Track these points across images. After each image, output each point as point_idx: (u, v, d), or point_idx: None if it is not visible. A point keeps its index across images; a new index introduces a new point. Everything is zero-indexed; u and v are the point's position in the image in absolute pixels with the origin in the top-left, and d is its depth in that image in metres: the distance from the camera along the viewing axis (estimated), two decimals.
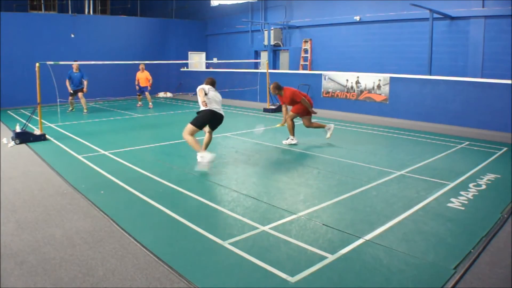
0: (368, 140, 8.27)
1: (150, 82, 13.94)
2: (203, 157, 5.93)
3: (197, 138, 6.08)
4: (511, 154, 7.05)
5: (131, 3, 20.49)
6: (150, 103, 14.12)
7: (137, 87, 14.03)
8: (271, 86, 7.92)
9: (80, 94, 12.63)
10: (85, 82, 12.63)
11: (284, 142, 7.84)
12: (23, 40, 14.86)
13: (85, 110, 12.76)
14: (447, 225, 4.01)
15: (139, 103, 14.53)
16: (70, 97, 12.78)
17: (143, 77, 13.90)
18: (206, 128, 6.43)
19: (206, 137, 6.56)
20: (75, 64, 12.40)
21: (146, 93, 13.96)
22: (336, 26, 14.96)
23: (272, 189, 5.23)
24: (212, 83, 6.55)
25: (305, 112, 7.83)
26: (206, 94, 6.16)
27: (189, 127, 6.02)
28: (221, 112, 6.31)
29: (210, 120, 6.21)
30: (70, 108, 12.96)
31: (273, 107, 12.72)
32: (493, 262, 3.27)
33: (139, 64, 14.02)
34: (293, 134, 7.84)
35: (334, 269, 3.15)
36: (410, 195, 4.87)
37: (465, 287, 2.93)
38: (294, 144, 7.72)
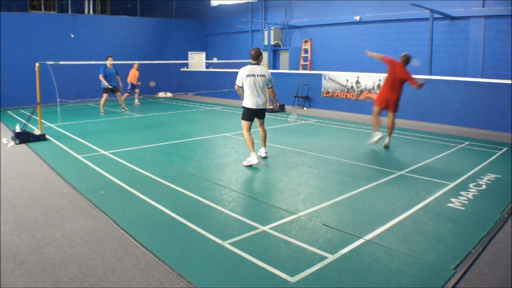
0: (368, 140, 8.25)
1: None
2: (252, 159, 6.03)
3: (253, 140, 6.18)
4: (511, 154, 7.05)
5: (131, 3, 20.48)
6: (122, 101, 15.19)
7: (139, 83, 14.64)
8: (405, 55, 7.26)
9: (118, 94, 12.53)
10: (118, 78, 12.57)
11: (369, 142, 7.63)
12: (23, 40, 14.85)
13: (124, 108, 12.81)
14: (447, 225, 4.01)
15: (136, 101, 15.13)
16: (105, 95, 12.28)
17: (134, 74, 14.52)
18: (257, 122, 6.50)
19: (260, 133, 6.63)
20: (110, 59, 12.16)
21: (126, 92, 14.65)
22: (336, 26, 14.96)
23: (272, 189, 5.23)
24: (256, 57, 6.19)
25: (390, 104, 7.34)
26: (241, 86, 6.17)
27: (243, 123, 6.24)
28: (262, 101, 6.20)
29: (254, 113, 6.25)
30: (102, 111, 12.40)
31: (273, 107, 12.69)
32: (493, 262, 3.27)
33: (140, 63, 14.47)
34: (377, 129, 7.49)
35: (334, 269, 3.15)
36: (410, 195, 4.87)
37: (465, 287, 2.93)
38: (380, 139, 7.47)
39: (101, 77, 12.11)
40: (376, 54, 7.75)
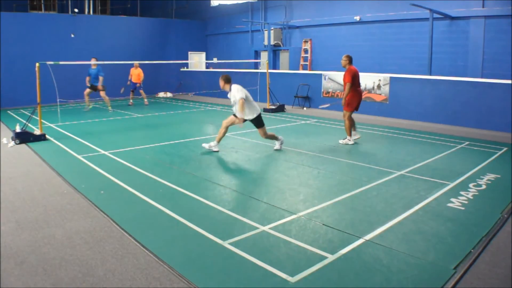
0: (368, 140, 8.26)
1: (141, 79, 14.64)
2: (215, 147, 7.06)
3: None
4: (511, 154, 7.05)
5: (131, 3, 20.48)
6: (145, 100, 15.09)
7: (128, 82, 14.64)
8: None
9: (102, 93, 12.74)
10: (100, 79, 12.59)
11: (340, 141, 7.94)
12: (23, 40, 14.85)
13: (110, 108, 13.03)
14: (447, 225, 4.01)
15: (131, 101, 15.07)
16: (85, 91, 12.85)
17: (136, 73, 14.54)
18: (260, 132, 7.25)
19: (268, 136, 7.25)
20: (93, 60, 12.56)
21: (141, 90, 14.70)
22: (336, 26, 14.96)
23: (272, 189, 5.23)
24: (230, 80, 7.26)
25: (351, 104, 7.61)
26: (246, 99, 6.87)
27: (262, 130, 7.06)
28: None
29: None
30: (87, 105, 13.19)
31: (273, 107, 12.71)
32: (493, 262, 3.27)
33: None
34: (349, 134, 7.82)
35: (334, 269, 3.15)
36: (410, 195, 4.87)
37: (465, 287, 2.93)
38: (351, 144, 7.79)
39: (87, 79, 12.69)
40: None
